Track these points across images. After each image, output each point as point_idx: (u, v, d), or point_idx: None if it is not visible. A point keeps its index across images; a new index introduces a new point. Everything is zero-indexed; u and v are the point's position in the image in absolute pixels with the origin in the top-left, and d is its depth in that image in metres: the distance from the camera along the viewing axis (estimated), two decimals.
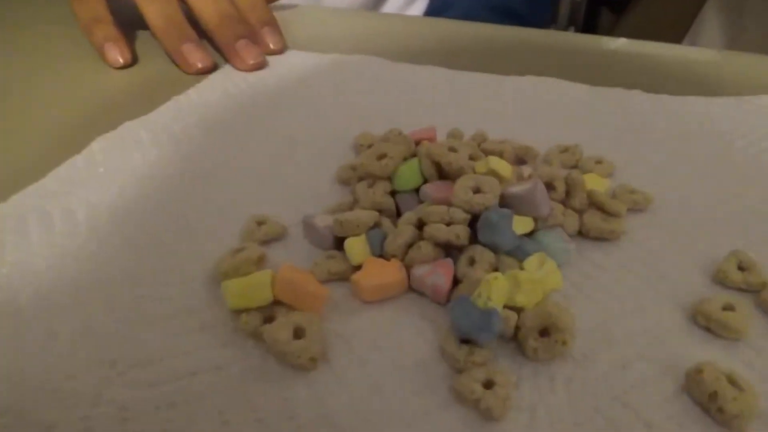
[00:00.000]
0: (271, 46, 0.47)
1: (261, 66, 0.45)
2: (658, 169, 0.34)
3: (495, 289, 0.22)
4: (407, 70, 0.46)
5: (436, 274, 0.24)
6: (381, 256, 0.26)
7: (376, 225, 0.27)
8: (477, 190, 0.26)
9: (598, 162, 0.33)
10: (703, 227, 0.29)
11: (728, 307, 0.24)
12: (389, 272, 0.25)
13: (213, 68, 0.45)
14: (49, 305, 0.24)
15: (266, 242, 0.28)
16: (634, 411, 0.20)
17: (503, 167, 0.27)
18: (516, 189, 0.26)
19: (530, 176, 0.28)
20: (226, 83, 0.43)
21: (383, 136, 0.31)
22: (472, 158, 0.28)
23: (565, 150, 0.35)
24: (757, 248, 0.27)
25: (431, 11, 0.71)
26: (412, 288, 0.25)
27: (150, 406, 0.20)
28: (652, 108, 0.40)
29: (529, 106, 0.41)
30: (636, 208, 0.30)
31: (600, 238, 0.28)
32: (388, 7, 0.72)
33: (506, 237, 0.25)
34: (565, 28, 1.26)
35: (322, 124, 0.38)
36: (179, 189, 0.31)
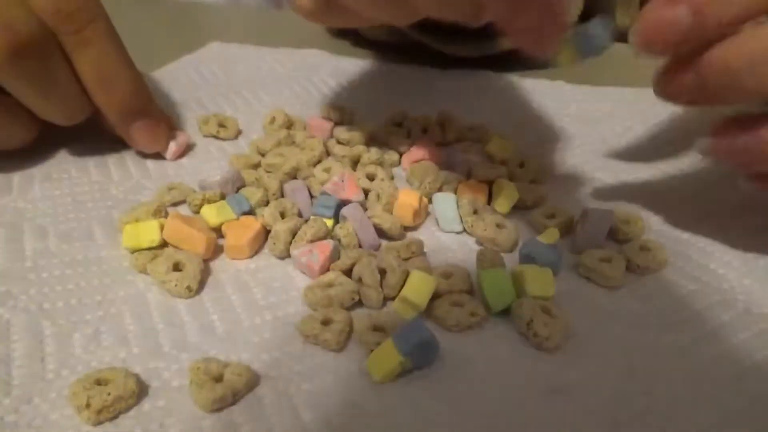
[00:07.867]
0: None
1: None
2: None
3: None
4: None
5: (312, 254, 0.26)
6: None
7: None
8: None
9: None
10: None
11: (605, 260, 0.26)
12: (250, 227, 0.28)
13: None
14: None
15: (177, 204, 0.31)
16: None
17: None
18: None
19: None
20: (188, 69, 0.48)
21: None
22: None
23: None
24: None
25: None
26: None
27: None
28: (550, 93, 0.44)
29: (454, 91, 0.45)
30: None
31: None
32: None
33: None
34: None
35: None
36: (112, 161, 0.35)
